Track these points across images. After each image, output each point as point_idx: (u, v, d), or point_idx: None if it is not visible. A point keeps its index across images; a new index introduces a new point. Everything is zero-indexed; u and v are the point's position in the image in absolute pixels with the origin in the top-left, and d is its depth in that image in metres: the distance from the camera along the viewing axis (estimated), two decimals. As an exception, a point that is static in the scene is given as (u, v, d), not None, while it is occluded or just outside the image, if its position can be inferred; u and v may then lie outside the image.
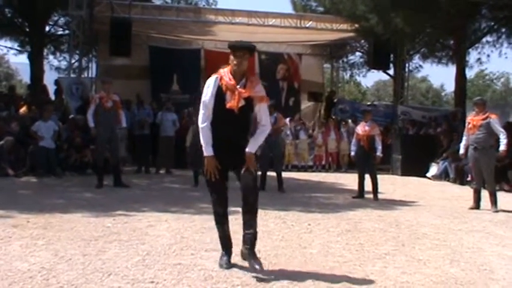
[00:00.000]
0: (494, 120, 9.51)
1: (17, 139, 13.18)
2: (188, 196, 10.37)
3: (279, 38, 21.69)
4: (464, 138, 9.93)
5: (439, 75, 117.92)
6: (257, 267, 4.69)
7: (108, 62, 20.37)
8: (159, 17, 19.01)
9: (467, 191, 11.28)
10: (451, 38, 20.30)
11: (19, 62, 37.13)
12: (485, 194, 9.58)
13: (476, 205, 9.58)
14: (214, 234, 5.27)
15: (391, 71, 22.30)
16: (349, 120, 18.90)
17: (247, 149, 4.84)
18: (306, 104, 24.06)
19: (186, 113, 16.34)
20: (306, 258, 5.51)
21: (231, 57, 4.89)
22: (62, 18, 22.16)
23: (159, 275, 4.72)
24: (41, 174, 12.64)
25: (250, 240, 4.79)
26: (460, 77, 19.75)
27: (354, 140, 11.35)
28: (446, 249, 6.12)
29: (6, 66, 51.53)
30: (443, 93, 59.53)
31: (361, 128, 10.92)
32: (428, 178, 15.62)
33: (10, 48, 25.17)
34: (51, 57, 24.64)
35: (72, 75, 18.70)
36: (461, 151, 10.06)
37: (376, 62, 20.85)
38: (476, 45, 21.45)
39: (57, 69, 25.14)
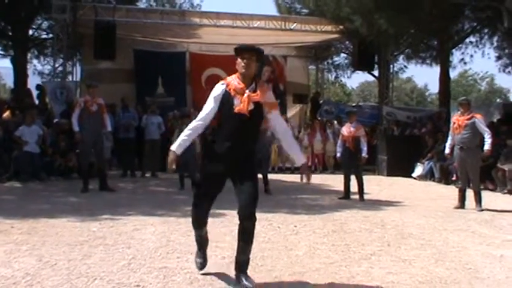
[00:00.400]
0: (479, 120, 9.58)
1: (1, 144, 13.05)
2: (174, 199, 10.34)
3: (263, 40, 21.60)
4: (449, 138, 9.99)
5: (423, 75, 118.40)
6: (249, 285, 4.49)
7: (93, 65, 20.22)
8: (144, 20, 18.94)
9: (452, 191, 11.37)
10: (435, 39, 20.48)
11: (2, 66, 36.66)
12: (470, 194, 9.66)
13: (461, 204, 9.65)
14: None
15: (375, 72, 22.39)
16: (335, 122, 18.95)
17: (301, 161, 4.83)
18: (293, 106, 24.08)
19: (171, 116, 16.31)
20: (292, 260, 5.51)
21: (238, 60, 4.62)
22: (45, 22, 21.94)
23: (144, 279, 4.70)
24: (25, 179, 12.51)
25: (242, 266, 4.62)
26: (444, 77, 19.95)
27: (339, 141, 11.38)
28: (432, 249, 6.16)
29: (-11, 70, 51.04)
30: (427, 93, 59.91)
31: (347, 129, 10.95)
32: (414, 178, 15.72)
33: (-7, 52, 24.96)
34: (35, 61, 24.50)
35: (56, 80, 18.57)
36: (447, 151, 10.11)
37: (360, 63, 20.94)
38: (460, 45, 21.66)
39: (40, 73, 24.95)
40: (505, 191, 12.33)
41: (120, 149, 15.01)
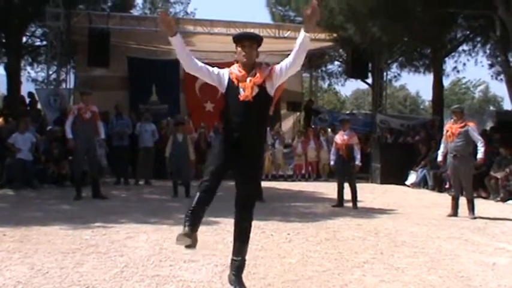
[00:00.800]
0: (472, 128, 9.61)
1: (-6, 151, 13.02)
2: (167, 207, 10.32)
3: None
4: (442, 145, 9.99)
5: (415, 83, 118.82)
6: None
7: (87, 73, 20.24)
8: (138, 27, 18.99)
9: (445, 199, 11.37)
10: (428, 47, 20.58)
11: (-5, 73, 36.68)
12: (463, 202, 9.68)
13: (454, 212, 9.66)
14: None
15: (369, 80, 22.47)
16: (329, 129, 18.97)
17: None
18: (287, 114, 24.11)
19: (165, 123, 16.30)
20: (285, 268, 5.51)
21: (238, 49, 4.58)
22: (39, 29, 21.96)
23: (137, 287, 4.69)
24: (18, 187, 12.47)
25: (238, 267, 4.62)
26: (438, 85, 20.04)
27: (333, 149, 11.38)
28: (425, 257, 6.17)
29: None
30: (420, 101, 60.11)
31: (340, 137, 10.95)
32: (407, 186, 15.74)
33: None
34: (28, 68, 24.48)
35: (50, 87, 18.54)
36: (440, 158, 10.12)
37: (354, 71, 21.03)
38: (453, 53, 21.78)
39: (34, 80, 24.93)
40: (498, 199, 12.37)
41: (113, 156, 14.97)
